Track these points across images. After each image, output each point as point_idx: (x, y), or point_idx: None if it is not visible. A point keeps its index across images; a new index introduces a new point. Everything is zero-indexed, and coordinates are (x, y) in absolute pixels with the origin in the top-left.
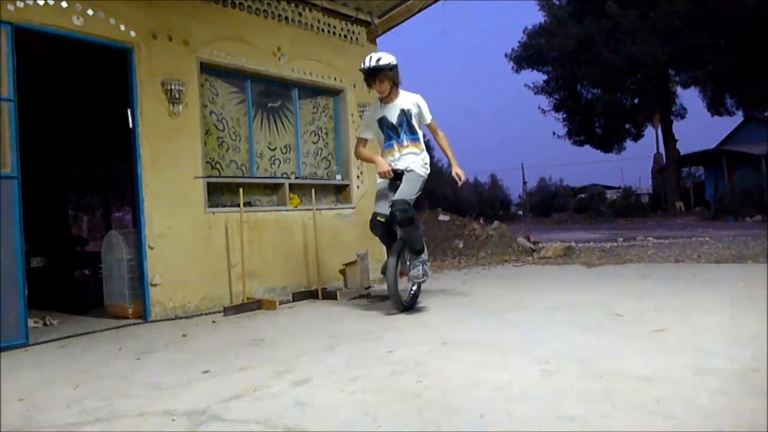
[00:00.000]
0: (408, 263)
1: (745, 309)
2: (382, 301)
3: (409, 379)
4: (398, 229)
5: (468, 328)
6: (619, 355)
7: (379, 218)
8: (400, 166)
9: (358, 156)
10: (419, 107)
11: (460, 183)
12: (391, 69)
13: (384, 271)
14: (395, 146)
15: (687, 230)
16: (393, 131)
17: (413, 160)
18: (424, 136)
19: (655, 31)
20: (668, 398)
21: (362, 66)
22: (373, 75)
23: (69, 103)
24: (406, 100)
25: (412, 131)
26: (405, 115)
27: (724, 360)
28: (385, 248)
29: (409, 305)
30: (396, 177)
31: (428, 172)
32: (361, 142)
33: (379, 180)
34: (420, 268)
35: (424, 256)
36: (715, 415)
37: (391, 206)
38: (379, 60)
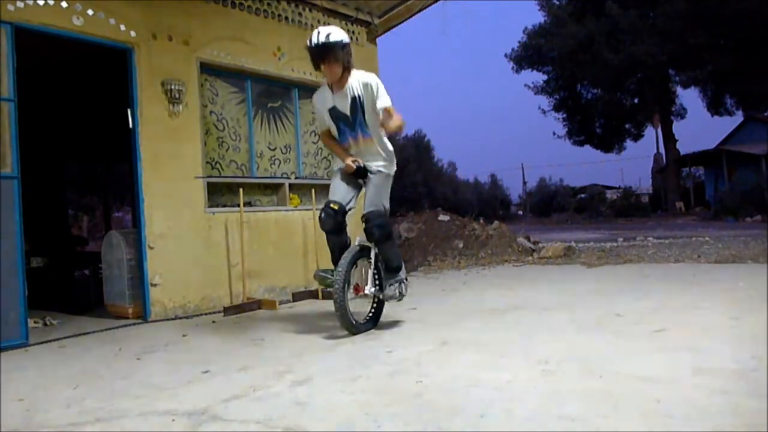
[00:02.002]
0: (382, 281)
1: (745, 309)
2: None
3: (409, 379)
4: (373, 247)
5: (468, 328)
6: (619, 355)
7: (332, 206)
8: (366, 162)
9: (326, 145)
10: (371, 89)
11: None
12: (344, 47)
13: (323, 280)
14: (351, 142)
15: (687, 230)
16: (347, 124)
17: (376, 156)
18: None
19: (655, 31)
20: (668, 398)
21: (308, 43)
22: (322, 54)
23: (69, 103)
24: (357, 84)
25: (368, 123)
26: (357, 103)
27: (724, 360)
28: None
29: (365, 328)
30: (358, 174)
31: (395, 166)
32: (325, 133)
33: (338, 164)
34: (396, 286)
35: (402, 273)
36: (715, 415)
37: (365, 220)
38: (329, 35)
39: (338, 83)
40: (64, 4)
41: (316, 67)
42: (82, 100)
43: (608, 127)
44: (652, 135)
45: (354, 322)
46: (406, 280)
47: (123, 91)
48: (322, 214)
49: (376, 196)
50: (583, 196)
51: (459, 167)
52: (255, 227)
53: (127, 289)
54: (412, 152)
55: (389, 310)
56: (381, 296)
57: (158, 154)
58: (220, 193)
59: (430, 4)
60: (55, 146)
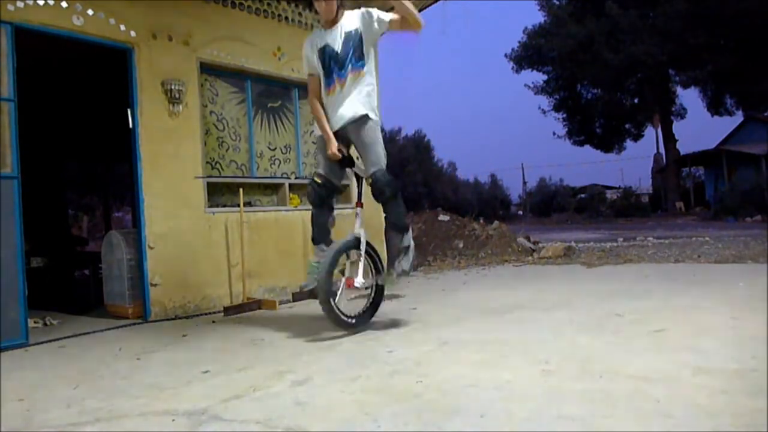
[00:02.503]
0: (379, 267)
1: (745, 309)
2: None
3: (409, 379)
4: (383, 206)
5: (468, 328)
6: (619, 355)
7: (316, 179)
8: (344, 113)
9: (313, 111)
10: (370, 16)
11: None
12: None
13: (313, 282)
14: (336, 84)
15: (687, 230)
16: (336, 62)
17: (357, 96)
18: None
19: (655, 31)
20: (668, 398)
21: None
22: None
23: (69, 103)
24: (351, 18)
25: (358, 57)
26: (353, 39)
27: (724, 360)
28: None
29: (362, 321)
30: (343, 163)
31: (377, 107)
32: (314, 80)
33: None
34: (408, 255)
35: (409, 235)
36: (714, 415)
37: (371, 182)
38: None
39: (332, 22)
40: (64, 4)
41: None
42: (82, 100)
43: (608, 127)
44: (652, 135)
45: (345, 317)
46: (411, 249)
47: (123, 91)
48: (309, 187)
49: (373, 153)
50: (583, 196)
51: (459, 167)
52: (255, 227)
53: (127, 289)
54: (412, 152)
55: (389, 310)
56: (380, 281)
57: (158, 154)
58: (220, 193)
59: (430, 4)
60: (55, 146)
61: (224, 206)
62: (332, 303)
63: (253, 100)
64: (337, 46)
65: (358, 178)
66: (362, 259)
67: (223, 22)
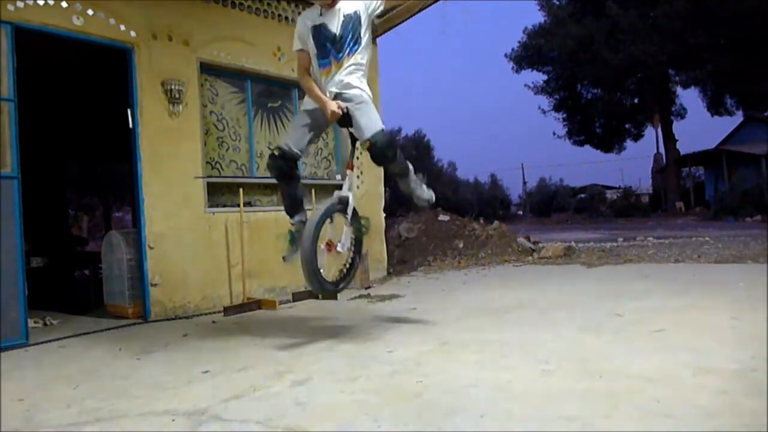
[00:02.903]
0: (360, 242)
1: (745, 309)
2: (382, 301)
3: (409, 379)
4: (389, 167)
5: (468, 328)
6: (619, 355)
7: (275, 151)
8: (338, 83)
9: (303, 82)
10: (366, 5)
11: None
12: None
13: (293, 250)
14: (333, 65)
15: (687, 230)
16: (334, 45)
17: (352, 75)
18: None
19: (655, 31)
20: (668, 398)
21: None
22: None
23: (69, 103)
24: (349, 2)
25: (357, 41)
26: (352, 21)
27: (724, 360)
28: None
29: (345, 285)
30: (343, 122)
31: (370, 96)
32: (303, 58)
33: (306, 105)
34: (421, 186)
35: (412, 173)
36: (715, 415)
37: (371, 144)
38: None
39: (330, 5)
40: (64, 4)
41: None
42: (82, 101)
43: (608, 127)
44: (652, 135)
45: (329, 284)
46: (421, 176)
47: (123, 91)
48: (268, 160)
49: (370, 119)
50: (583, 196)
51: (459, 167)
52: (255, 227)
53: (127, 289)
54: (412, 152)
55: (389, 310)
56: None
57: (158, 154)
58: (220, 193)
59: (430, 4)
60: (55, 146)
61: (224, 206)
62: (320, 274)
63: (253, 100)
64: (336, 28)
65: (353, 140)
66: (348, 222)
67: (223, 22)
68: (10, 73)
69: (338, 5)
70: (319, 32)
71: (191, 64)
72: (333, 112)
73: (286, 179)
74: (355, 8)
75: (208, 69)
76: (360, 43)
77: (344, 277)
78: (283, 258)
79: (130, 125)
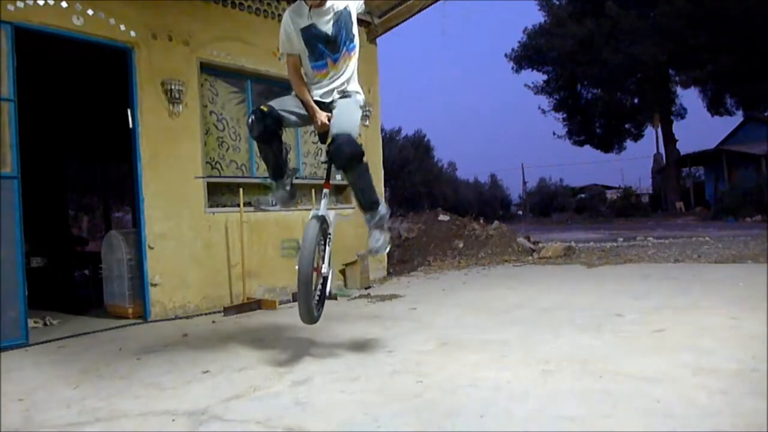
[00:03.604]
0: (329, 258)
1: (745, 309)
2: (382, 301)
3: (409, 379)
4: (344, 174)
5: (468, 328)
6: (619, 355)
7: (262, 107)
8: (334, 88)
9: (295, 87)
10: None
11: None
12: None
13: (269, 202)
14: (329, 66)
15: (687, 230)
16: (327, 46)
17: (348, 77)
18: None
19: (655, 31)
20: (668, 398)
21: None
22: None
23: (69, 103)
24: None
25: (351, 39)
26: (344, 19)
27: (724, 360)
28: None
29: (318, 315)
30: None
31: (364, 102)
32: (294, 61)
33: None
34: (381, 231)
35: (383, 209)
36: (715, 415)
37: (330, 142)
38: None
39: (319, 4)
40: (64, 4)
41: None
42: (82, 100)
43: (608, 127)
44: (652, 135)
45: (315, 312)
46: (386, 218)
47: (123, 91)
48: (250, 118)
49: (346, 119)
50: (583, 196)
51: (459, 167)
52: (255, 227)
53: (127, 289)
54: (412, 152)
55: (389, 310)
56: (370, 253)
57: (158, 154)
58: (220, 193)
59: (430, 4)
60: (55, 146)
61: (224, 206)
62: (313, 304)
63: (253, 100)
64: (328, 28)
65: (330, 159)
66: (329, 244)
67: (223, 22)
68: (10, 73)
69: (327, 3)
70: (310, 33)
71: (191, 64)
72: (322, 123)
73: (270, 139)
74: (344, 4)
75: (208, 69)
76: (354, 41)
77: (319, 303)
78: (257, 203)
79: (130, 125)
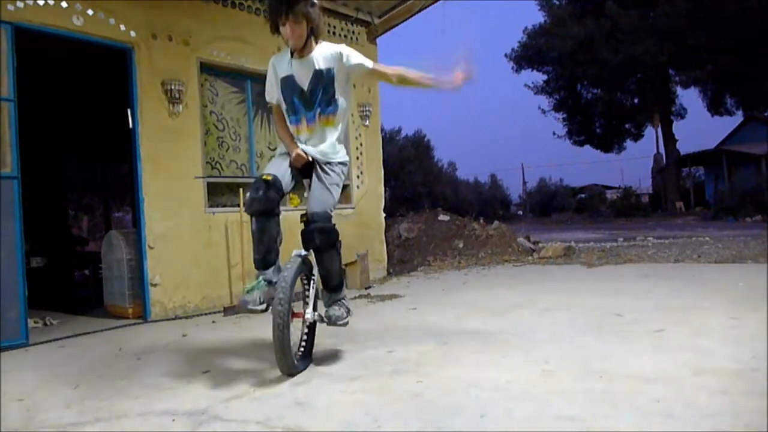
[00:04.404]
0: (322, 299)
1: (745, 309)
2: (382, 301)
3: (409, 379)
4: (314, 256)
5: (468, 328)
6: (619, 355)
7: (265, 177)
8: (314, 151)
9: (276, 125)
10: (346, 58)
11: (465, 78)
12: (313, 5)
13: (260, 300)
14: (304, 124)
15: (687, 230)
16: (302, 100)
17: (330, 146)
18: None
19: (655, 31)
20: (668, 398)
21: None
22: (287, 7)
23: (69, 102)
24: (325, 54)
25: (329, 101)
26: (323, 78)
27: (724, 360)
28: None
29: (303, 366)
30: (306, 171)
31: (348, 162)
32: (276, 109)
33: (281, 148)
34: (342, 304)
35: (344, 291)
36: (715, 415)
37: (306, 221)
38: None
39: (301, 51)
40: (64, 4)
41: (274, 27)
42: (83, 100)
43: (608, 127)
44: (652, 135)
45: (292, 359)
46: (347, 300)
47: (123, 91)
48: (250, 190)
49: (327, 194)
50: (583, 196)
51: (459, 167)
52: None
53: (127, 289)
54: (412, 152)
55: (389, 310)
56: (322, 320)
57: (158, 154)
58: (220, 193)
59: (430, 4)
60: (56, 146)
61: (224, 206)
62: (290, 343)
63: (253, 100)
64: (304, 83)
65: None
66: (313, 286)
67: (223, 22)
68: (10, 73)
69: (312, 55)
70: (287, 84)
71: (191, 64)
72: (299, 155)
73: (269, 216)
74: (330, 65)
75: (208, 69)
76: (337, 104)
77: (305, 353)
78: (243, 302)
79: (130, 125)
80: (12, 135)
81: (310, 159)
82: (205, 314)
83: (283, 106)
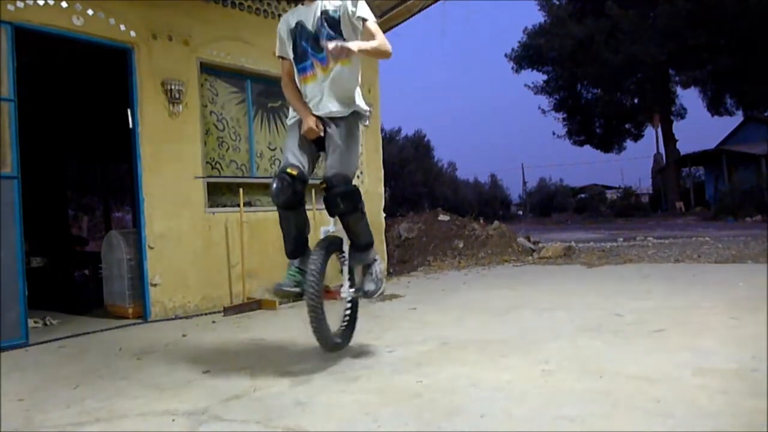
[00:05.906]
0: (353, 268)
1: (745, 309)
2: (382, 301)
3: (409, 379)
4: (338, 220)
5: (468, 328)
6: (619, 355)
7: (290, 171)
8: (329, 104)
9: (285, 91)
10: (353, 12)
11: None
12: None
13: (289, 289)
14: (317, 69)
15: (687, 230)
16: (313, 44)
17: (346, 91)
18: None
19: (655, 31)
20: (668, 398)
21: None
22: None
23: (69, 102)
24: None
25: (342, 40)
26: (329, 17)
27: (724, 360)
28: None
29: (344, 341)
30: (320, 143)
31: (368, 111)
32: (285, 64)
33: (293, 115)
34: (374, 274)
35: (373, 253)
36: (715, 415)
37: (326, 187)
38: None
39: None
40: (64, 4)
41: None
42: (82, 100)
43: (608, 127)
44: (652, 135)
45: (332, 337)
46: (379, 261)
47: (123, 91)
48: (276, 183)
49: (343, 156)
50: (583, 196)
51: (459, 167)
52: (255, 227)
53: (127, 289)
54: (412, 152)
55: (389, 310)
56: (359, 295)
57: (158, 154)
58: (220, 193)
59: (430, 4)
60: (56, 146)
61: (224, 206)
62: (326, 321)
63: (253, 100)
64: (312, 25)
65: None
66: (346, 263)
67: (223, 22)
68: (10, 73)
69: (318, 1)
70: (295, 31)
71: (191, 64)
72: (309, 128)
73: (297, 208)
74: (336, 8)
75: (208, 69)
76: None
77: (347, 328)
78: (278, 286)
79: (130, 125)
80: (12, 135)
81: (322, 134)
82: (205, 314)
83: (291, 56)
